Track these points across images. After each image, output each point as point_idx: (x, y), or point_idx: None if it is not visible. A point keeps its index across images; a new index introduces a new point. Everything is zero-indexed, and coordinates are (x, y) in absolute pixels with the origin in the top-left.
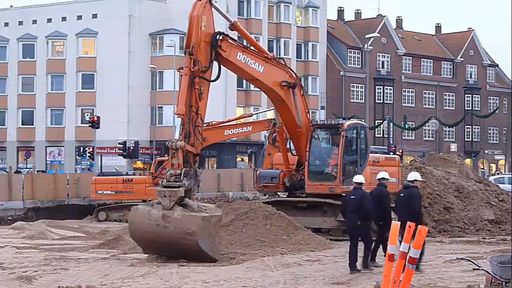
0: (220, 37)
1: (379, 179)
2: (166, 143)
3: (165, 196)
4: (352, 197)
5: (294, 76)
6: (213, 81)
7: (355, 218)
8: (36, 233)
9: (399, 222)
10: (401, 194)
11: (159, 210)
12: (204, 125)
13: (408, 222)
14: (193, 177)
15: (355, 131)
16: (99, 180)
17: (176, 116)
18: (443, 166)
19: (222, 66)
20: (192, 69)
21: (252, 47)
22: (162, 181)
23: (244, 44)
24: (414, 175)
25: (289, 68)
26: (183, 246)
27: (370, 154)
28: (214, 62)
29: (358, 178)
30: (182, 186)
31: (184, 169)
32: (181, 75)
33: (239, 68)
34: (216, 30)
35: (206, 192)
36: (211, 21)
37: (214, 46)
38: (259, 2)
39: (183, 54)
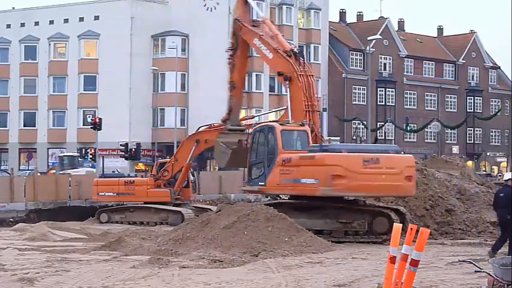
0: (239, 23)
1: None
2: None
3: None
4: (501, 194)
5: (292, 70)
6: (233, 49)
7: (505, 213)
8: (38, 234)
9: (400, 225)
10: None
11: None
12: (206, 127)
13: (410, 224)
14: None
15: (261, 134)
16: (101, 182)
17: None
18: (445, 168)
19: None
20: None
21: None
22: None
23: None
24: None
25: (291, 63)
26: None
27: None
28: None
29: (508, 176)
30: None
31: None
32: None
33: (256, 49)
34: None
35: (208, 194)
36: (239, 8)
37: (235, 30)
38: (261, 4)
39: (185, 56)
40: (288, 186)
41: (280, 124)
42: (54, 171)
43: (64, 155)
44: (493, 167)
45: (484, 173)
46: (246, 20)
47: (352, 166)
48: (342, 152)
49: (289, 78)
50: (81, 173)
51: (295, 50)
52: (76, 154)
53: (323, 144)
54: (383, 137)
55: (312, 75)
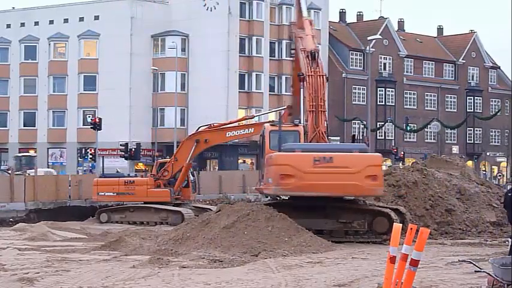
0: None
1: None
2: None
3: None
4: (510, 194)
5: (305, 71)
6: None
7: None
8: (38, 234)
9: (400, 225)
10: None
11: None
12: (206, 126)
13: (410, 224)
14: None
15: (261, 134)
16: (101, 182)
17: None
18: (445, 168)
19: None
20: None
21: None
22: None
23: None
24: None
25: (306, 64)
26: None
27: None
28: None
29: None
30: None
31: None
32: None
33: (296, 49)
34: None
35: (208, 194)
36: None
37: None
38: (261, 4)
39: (185, 56)
40: (267, 186)
41: (271, 125)
42: (10, 171)
43: (22, 155)
44: (493, 167)
45: None
46: (298, 23)
47: (302, 166)
48: (294, 152)
49: (303, 78)
50: (40, 173)
51: (314, 51)
52: (34, 154)
53: (283, 144)
54: (383, 137)
55: (322, 75)
